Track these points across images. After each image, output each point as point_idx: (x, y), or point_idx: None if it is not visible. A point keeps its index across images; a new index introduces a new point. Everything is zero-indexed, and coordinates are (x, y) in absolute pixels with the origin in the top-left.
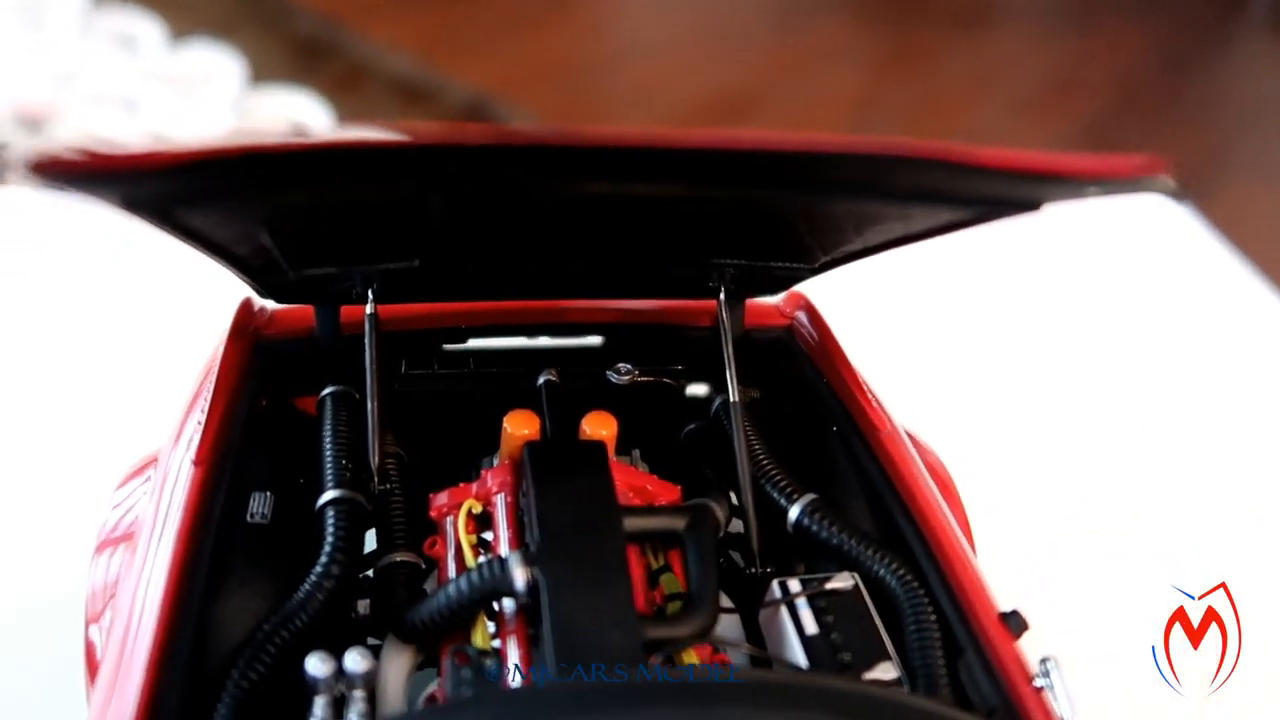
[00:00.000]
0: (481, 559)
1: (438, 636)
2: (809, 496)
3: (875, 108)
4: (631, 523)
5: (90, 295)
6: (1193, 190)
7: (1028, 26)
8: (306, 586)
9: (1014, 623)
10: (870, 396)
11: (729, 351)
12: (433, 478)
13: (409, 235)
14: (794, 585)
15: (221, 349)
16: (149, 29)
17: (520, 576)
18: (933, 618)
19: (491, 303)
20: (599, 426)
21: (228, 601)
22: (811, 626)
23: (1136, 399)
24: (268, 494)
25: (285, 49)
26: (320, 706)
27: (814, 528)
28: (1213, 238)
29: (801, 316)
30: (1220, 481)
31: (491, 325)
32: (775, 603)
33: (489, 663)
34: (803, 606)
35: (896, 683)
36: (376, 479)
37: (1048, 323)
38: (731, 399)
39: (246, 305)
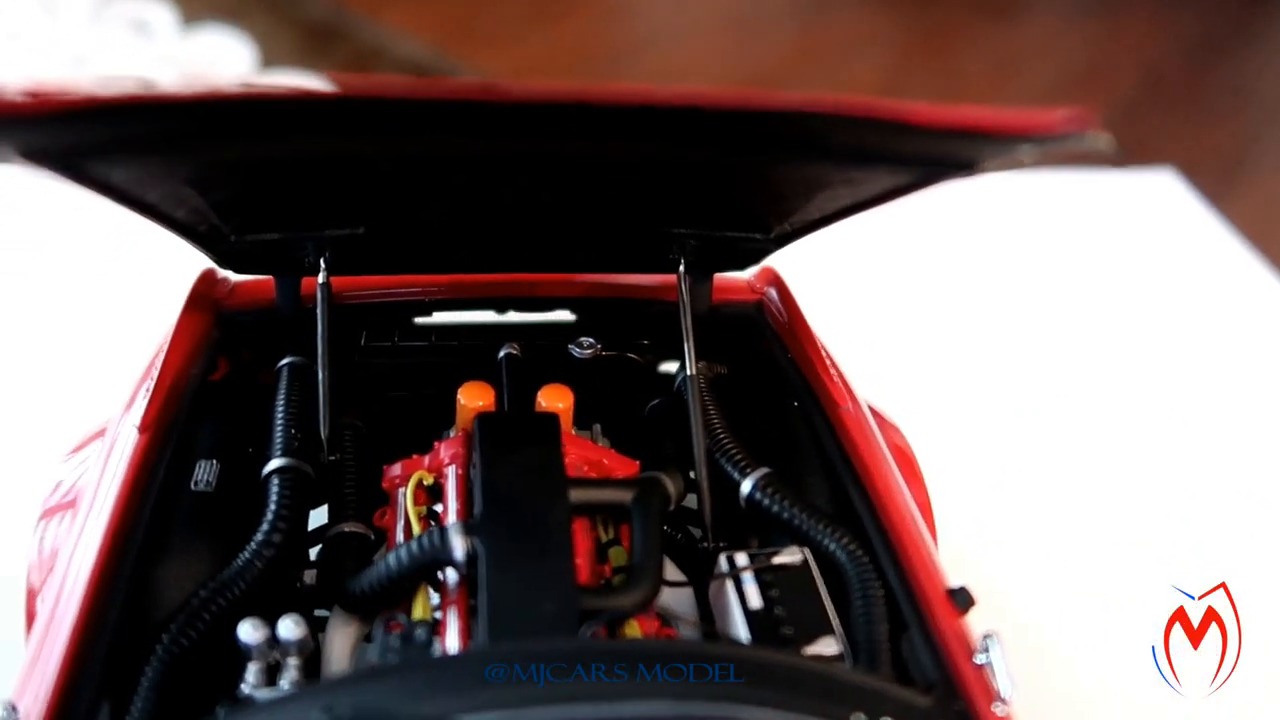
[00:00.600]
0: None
1: (380, 606)
2: (762, 471)
3: (898, 95)
4: (578, 495)
5: (72, 279)
6: (1212, 182)
7: (1052, 14)
8: (245, 554)
9: (960, 599)
10: (833, 373)
11: (688, 325)
12: (393, 449)
13: (352, 200)
14: (741, 559)
15: (176, 318)
16: (161, 14)
17: (459, 547)
18: (879, 593)
19: (462, 276)
20: (555, 399)
21: (167, 567)
22: (756, 601)
23: (1138, 398)
24: (214, 462)
25: (295, 34)
26: (253, 673)
27: (765, 502)
28: (1225, 229)
29: (771, 292)
30: (1220, 481)
31: (460, 299)
32: (721, 576)
33: (419, 631)
34: (748, 581)
35: (838, 657)
36: (326, 450)
37: (1051, 319)
38: (689, 373)
39: (206, 276)
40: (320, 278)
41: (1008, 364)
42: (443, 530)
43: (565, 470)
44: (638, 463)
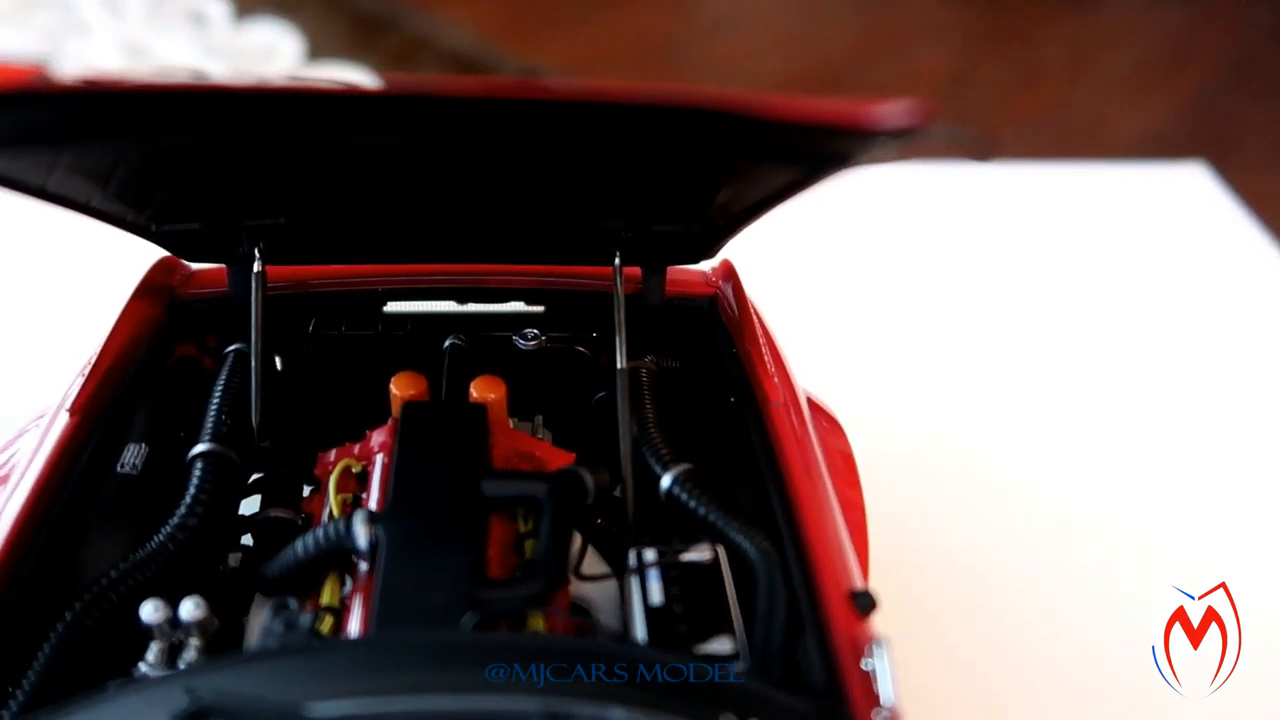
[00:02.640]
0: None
1: (292, 591)
2: (682, 466)
3: (968, 85)
4: (491, 486)
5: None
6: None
7: (1132, 3)
8: (158, 537)
9: (861, 602)
10: (770, 368)
11: (620, 318)
12: (337, 437)
13: (266, 191)
14: (649, 555)
15: (124, 304)
16: (216, 7)
17: (363, 535)
18: (782, 593)
19: (420, 266)
20: (486, 390)
21: (84, 548)
22: (657, 597)
23: (1138, 397)
24: (142, 446)
25: (345, 25)
26: (153, 652)
27: (683, 497)
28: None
29: (726, 287)
30: (1220, 481)
31: (417, 289)
32: (628, 572)
33: (302, 617)
34: (653, 577)
35: (732, 657)
36: (258, 436)
37: (1058, 314)
38: (620, 366)
39: (163, 263)
40: (255, 266)
41: (1012, 358)
42: (349, 518)
43: (484, 462)
44: (574, 455)
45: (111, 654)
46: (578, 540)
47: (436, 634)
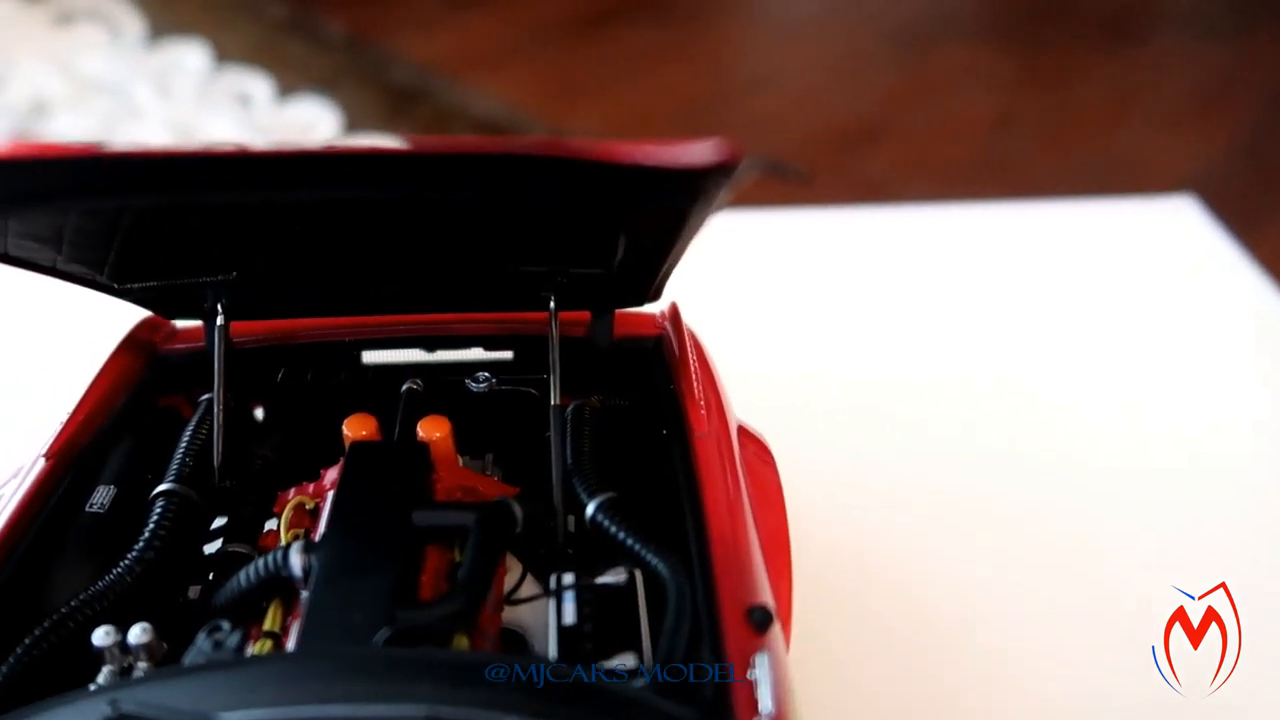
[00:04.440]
0: None
1: (239, 618)
2: (605, 495)
3: (1012, 128)
4: (421, 517)
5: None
6: None
7: (1176, 40)
8: (117, 569)
9: (757, 616)
10: (698, 401)
11: (554, 358)
12: (302, 478)
13: (212, 250)
14: (568, 578)
15: (106, 359)
16: (260, 87)
17: (297, 563)
18: (687, 610)
19: (386, 318)
20: (432, 430)
21: (50, 579)
22: (569, 618)
23: (1138, 398)
24: (111, 487)
25: (380, 98)
26: (104, 675)
27: (604, 523)
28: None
29: (670, 327)
30: (1220, 481)
31: (382, 339)
32: (547, 595)
33: (230, 637)
34: (568, 599)
35: (634, 672)
36: (219, 477)
37: (1045, 311)
38: (553, 402)
39: (145, 322)
40: (218, 320)
41: (1011, 365)
42: (287, 548)
43: (423, 495)
44: (517, 489)
45: (68, 678)
46: (518, 569)
47: (340, 649)
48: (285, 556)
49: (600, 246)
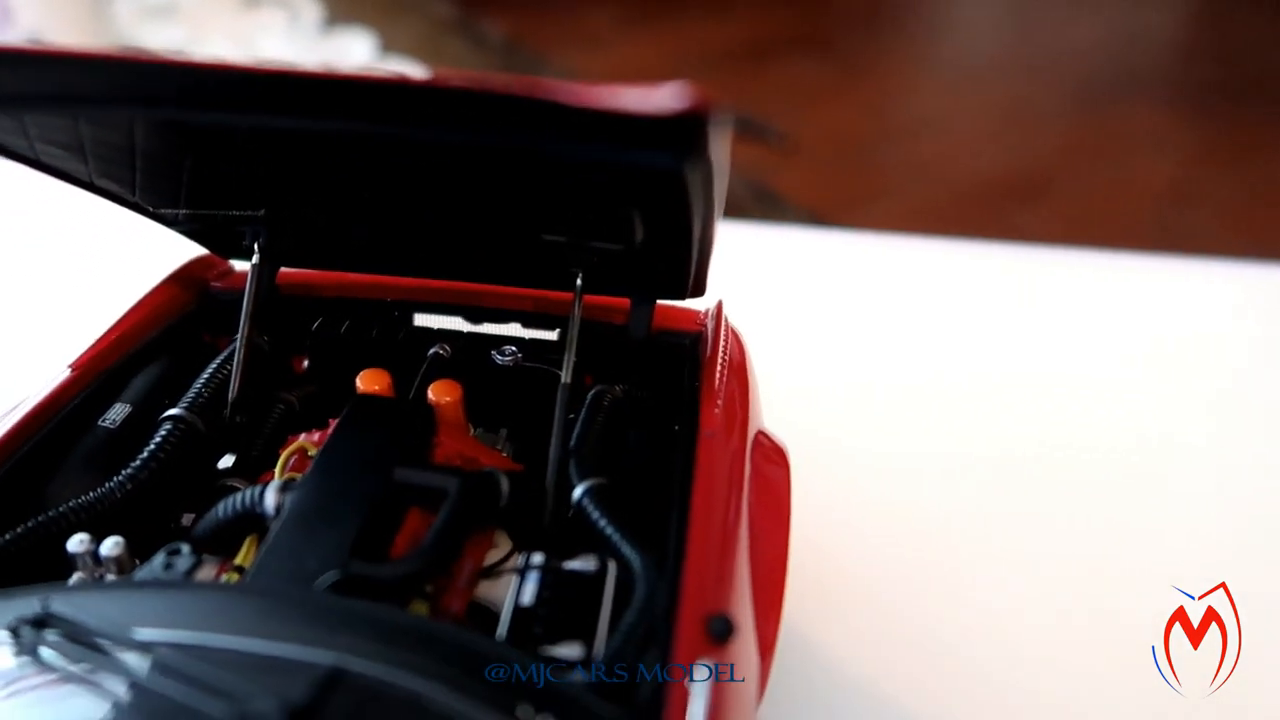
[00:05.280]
0: None
1: (218, 550)
2: (594, 481)
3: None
4: (403, 474)
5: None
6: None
7: None
8: (109, 484)
9: (716, 626)
10: (715, 401)
11: (573, 335)
12: (319, 427)
13: (241, 184)
14: (536, 558)
15: (153, 287)
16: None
17: (271, 501)
18: (649, 608)
19: (433, 282)
20: (442, 394)
21: (51, 483)
22: (527, 598)
23: (1138, 398)
24: (127, 406)
25: None
26: (74, 580)
27: (589, 509)
28: None
29: (710, 324)
30: (1220, 482)
31: (430, 303)
32: (512, 572)
33: (181, 560)
34: (531, 579)
35: (576, 663)
36: (230, 411)
37: (1051, 316)
38: (564, 380)
39: (200, 259)
40: (254, 259)
41: (1015, 368)
42: (265, 487)
43: (412, 454)
44: (520, 466)
45: (46, 578)
46: (505, 546)
47: (269, 585)
48: (261, 494)
49: (612, 218)
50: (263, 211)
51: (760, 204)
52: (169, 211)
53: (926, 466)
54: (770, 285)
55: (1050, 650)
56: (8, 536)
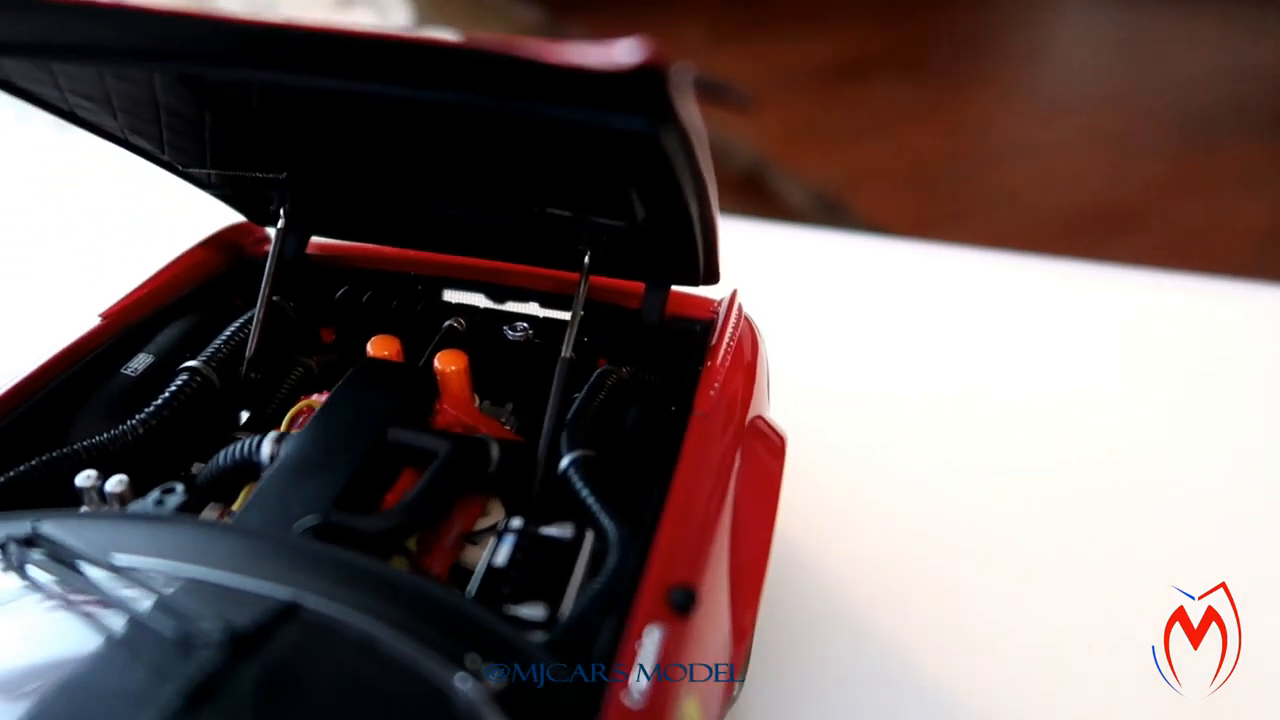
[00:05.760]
0: None
1: (220, 496)
2: (580, 452)
3: None
4: (395, 434)
5: None
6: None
7: None
8: (122, 427)
9: (677, 597)
10: (713, 384)
11: (577, 310)
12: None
13: (263, 144)
14: (515, 522)
15: (188, 249)
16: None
17: (267, 451)
18: (615, 577)
19: (463, 259)
20: (447, 363)
21: (70, 425)
22: (501, 560)
23: (1139, 398)
24: (150, 356)
25: None
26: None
27: (573, 479)
28: None
29: (722, 311)
30: (1220, 481)
31: (455, 279)
32: (490, 534)
33: (171, 499)
34: (507, 541)
35: (537, 622)
36: (245, 368)
37: (1057, 321)
38: (564, 355)
39: (237, 226)
40: (280, 223)
41: (1020, 369)
42: (262, 437)
43: (409, 416)
44: (520, 439)
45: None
46: (498, 514)
47: (243, 525)
48: (258, 444)
49: (607, 190)
50: (284, 174)
51: (826, 218)
52: (198, 171)
53: (937, 469)
54: (829, 291)
55: (1050, 650)
56: (23, 468)
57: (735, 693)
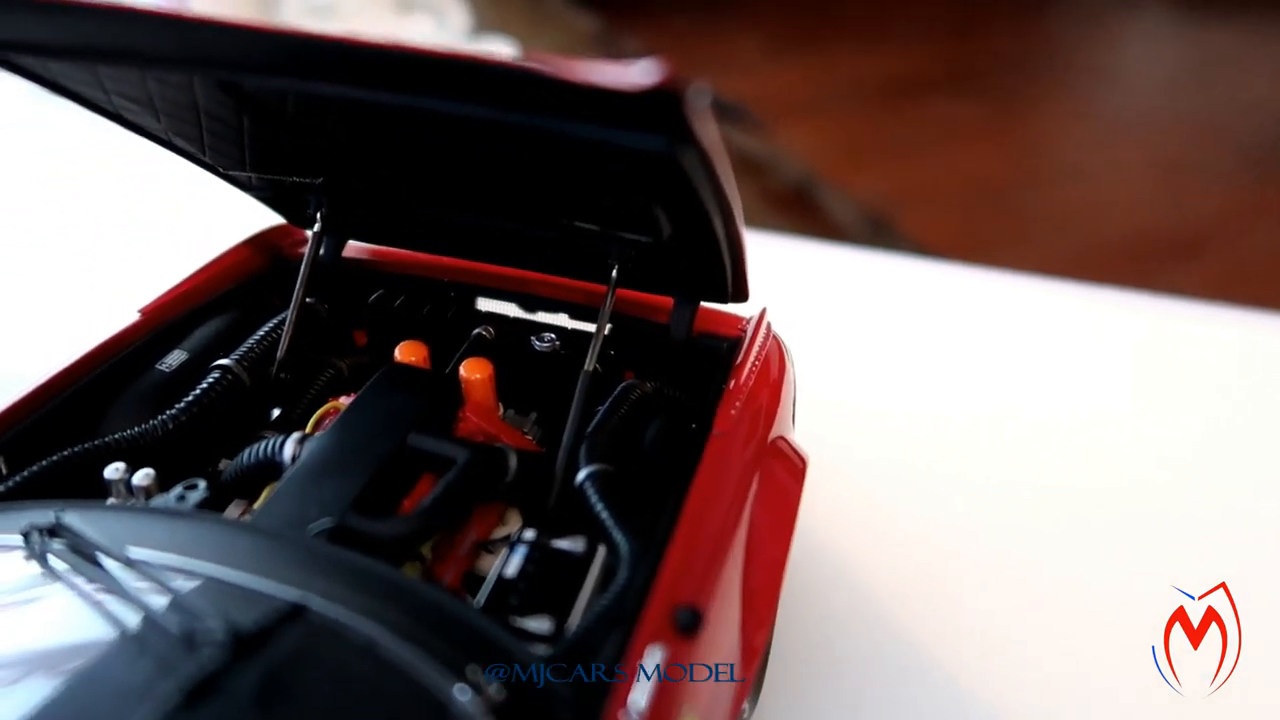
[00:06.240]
0: None
1: (244, 494)
2: (597, 466)
3: None
4: (416, 440)
5: None
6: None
7: None
8: (152, 422)
9: (683, 618)
10: (734, 404)
11: (602, 324)
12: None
13: (301, 149)
14: (528, 534)
15: (228, 248)
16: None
17: (289, 452)
18: (623, 594)
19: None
20: (472, 371)
21: (102, 417)
22: (511, 570)
23: (1139, 398)
24: (184, 352)
25: None
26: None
27: (587, 493)
28: None
29: (750, 328)
30: (1220, 481)
31: (487, 288)
32: (503, 543)
33: (192, 495)
34: (519, 552)
35: (543, 636)
36: (276, 368)
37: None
38: (586, 368)
39: (278, 228)
40: (316, 226)
41: (1021, 372)
42: (285, 438)
43: (431, 422)
44: (542, 450)
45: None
46: (516, 523)
47: (259, 525)
48: (281, 444)
49: (631, 206)
50: (320, 180)
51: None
52: (238, 174)
53: (960, 485)
54: (867, 309)
55: (1051, 650)
56: (55, 457)
57: (746, 715)
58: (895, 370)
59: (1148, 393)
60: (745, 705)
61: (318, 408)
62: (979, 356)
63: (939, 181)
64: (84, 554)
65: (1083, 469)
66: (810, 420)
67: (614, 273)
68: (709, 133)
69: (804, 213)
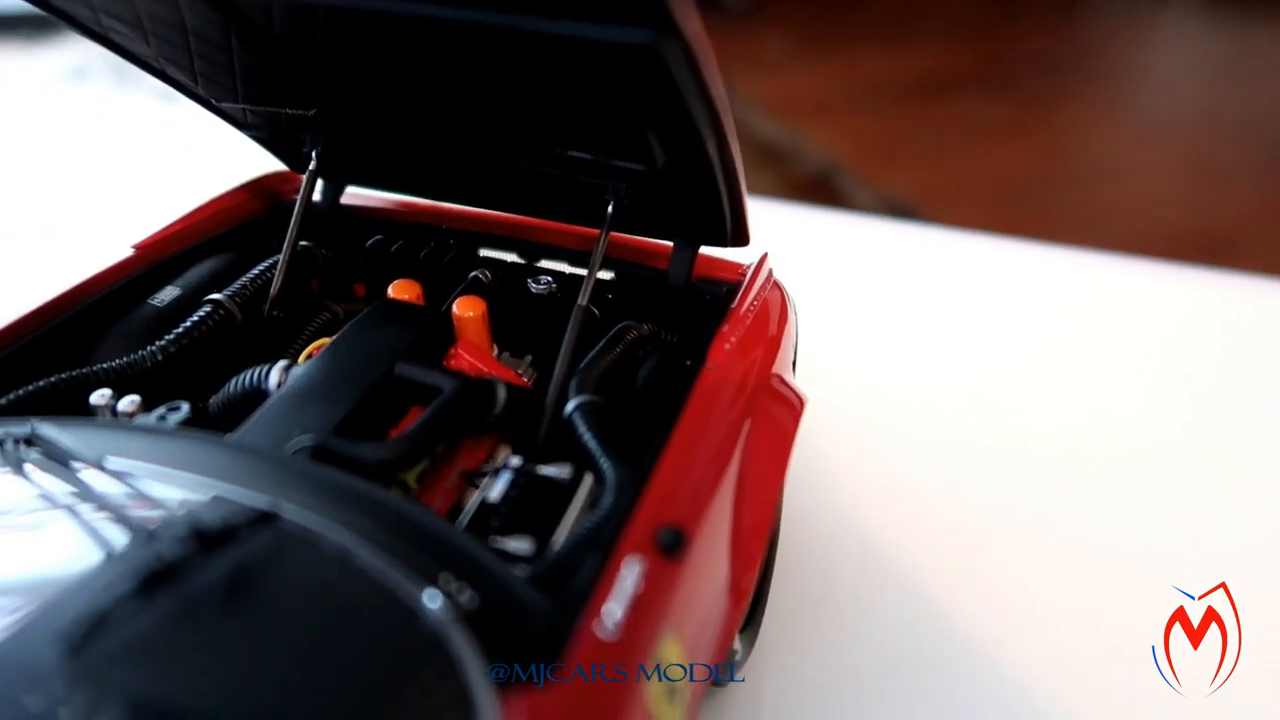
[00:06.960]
0: None
1: (231, 424)
2: (585, 398)
3: None
4: (403, 369)
5: None
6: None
7: None
8: (141, 352)
9: (666, 538)
10: (728, 340)
11: (595, 263)
12: None
13: (294, 78)
14: (513, 460)
15: (226, 190)
16: None
17: (275, 379)
18: (607, 517)
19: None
20: (465, 308)
21: (98, 345)
22: (495, 495)
23: (1139, 398)
24: (178, 289)
25: None
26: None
27: (575, 423)
28: None
29: (749, 273)
30: (1220, 481)
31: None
32: (489, 472)
33: (175, 415)
34: (504, 478)
35: (523, 556)
36: (269, 305)
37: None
38: (580, 303)
39: (277, 174)
40: (311, 164)
41: (1021, 373)
42: (271, 366)
43: (419, 354)
44: (530, 385)
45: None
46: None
47: (234, 440)
48: (267, 373)
49: (623, 126)
50: (313, 111)
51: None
52: (231, 107)
53: (944, 465)
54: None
55: (1051, 649)
56: (41, 383)
57: (739, 656)
58: (916, 344)
59: (1148, 394)
60: (737, 645)
61: (304, 340)
62: (997, 327)
63: (967, 180)
64: (60, 461)
65: (1083, 469)
66: (824, 388)
67: (609, 209)
68: (692, 24)
69: (826, 199)
